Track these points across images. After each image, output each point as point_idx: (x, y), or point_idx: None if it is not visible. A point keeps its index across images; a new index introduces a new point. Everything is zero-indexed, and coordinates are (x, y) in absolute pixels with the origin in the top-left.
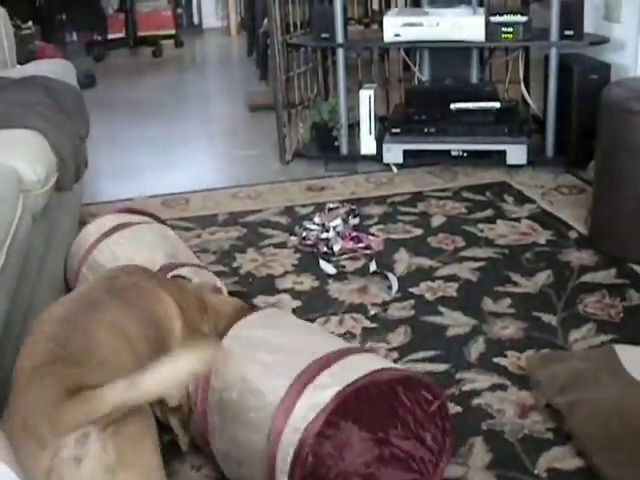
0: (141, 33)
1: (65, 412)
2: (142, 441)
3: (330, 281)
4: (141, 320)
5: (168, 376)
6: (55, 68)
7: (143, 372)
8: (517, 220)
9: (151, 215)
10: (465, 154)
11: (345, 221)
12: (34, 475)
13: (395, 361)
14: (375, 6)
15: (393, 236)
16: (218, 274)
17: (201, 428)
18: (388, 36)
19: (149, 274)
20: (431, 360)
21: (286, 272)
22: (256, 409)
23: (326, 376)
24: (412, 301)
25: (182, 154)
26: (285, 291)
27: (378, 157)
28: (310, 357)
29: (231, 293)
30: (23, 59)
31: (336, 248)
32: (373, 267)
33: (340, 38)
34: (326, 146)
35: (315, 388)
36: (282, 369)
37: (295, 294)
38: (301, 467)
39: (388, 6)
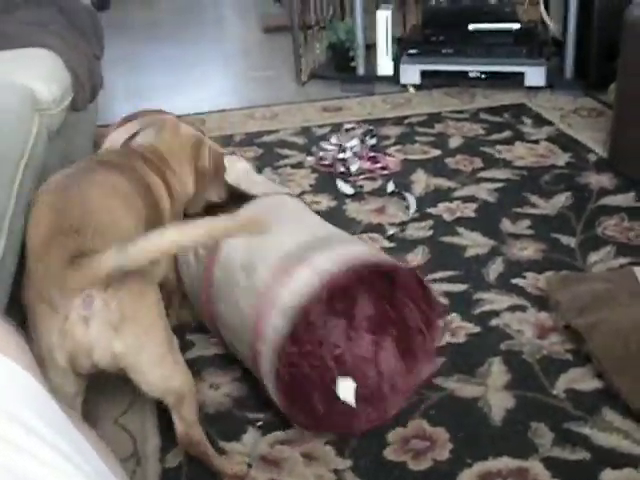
0: None
1: (69, 277)
2: (143, 298)
3: (348, 201)
4: (135, 185)
5: (154, 247)
6: None
7: (134, 241)
8: (535, 142)
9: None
10: (483, 75)
11: (362, 141)
12: (50, 337)
13: None
14: None
15: (411, 157)
16: None
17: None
18: None
19: (139, 155)
20: (449, 280)
21: (303, 192)
22: (244, 297)
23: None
24: (430, 221)
25: (197, 75)
26: None
27: (395, 78)
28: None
29: None
30: None
31: (353, 168)
32: (391, 187)
33: None
34: (342, 67)
35: (290, 288)
36: (264, 264)
37: None
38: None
39: None
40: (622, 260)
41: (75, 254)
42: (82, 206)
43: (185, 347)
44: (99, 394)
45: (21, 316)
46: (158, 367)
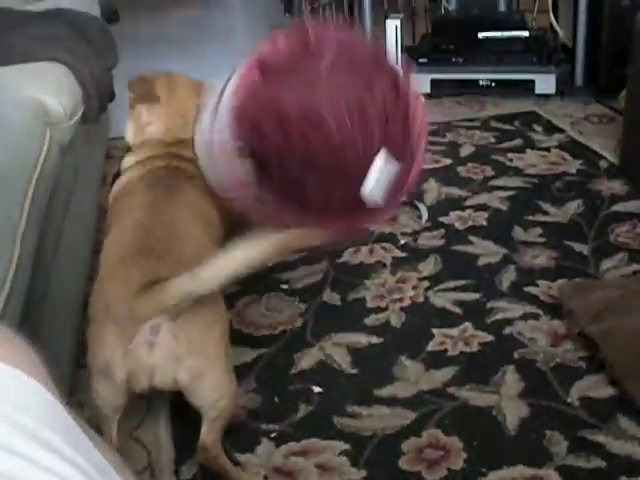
0: None
1: (140, 303)
2: (211, 330)
3: None
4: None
5: (224, 272)
6: (78, 1)
7: (204, 265)
8: (546, 149)
9: None
10: (493, 84)
11: None
12: (112, 354)
13: (426, 290)
14: None
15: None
16: None
17: None
18: None
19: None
20: (462, 289)
21: None
22: None
23: None
24: (442, 230)
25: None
26: None
27: None
28: None
29: None
30: None
31: None
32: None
33: None
34: None
35: None
36: None
37: None
38: None
39: None
40: (635, 266)
41: (151, 279)
42: (169, 229)
43: None
44: None
45: (32, 331)
46: (215, 392)
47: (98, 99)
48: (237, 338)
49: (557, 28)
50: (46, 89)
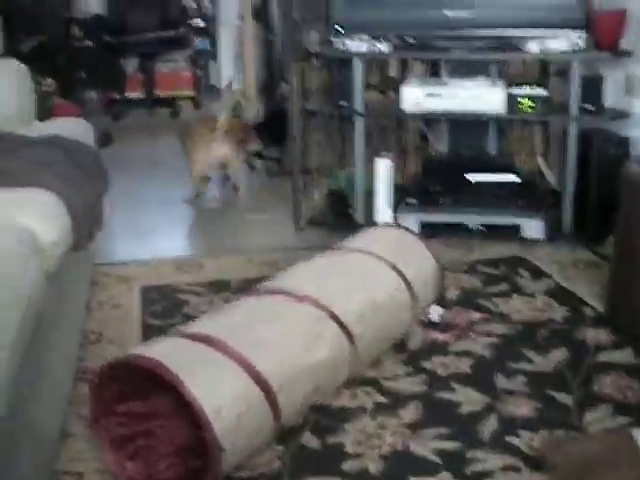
0: (160, 93)
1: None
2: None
3: None
4: None
5: None
6: (73, 127)
7: None
8: (533, 295)
9: None
10: (482, 227)
11: None
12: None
13: (406, 437)
14: (392, 73)
15: None
16: None
17: None
18: (408, 106)
19: None
20: (442, 438)
21: None
22: None
23: None
24: (424, 376)
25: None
26: None
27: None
28: None
29: None
30: (41, 115)
31: None
32: None
33: (359, 106)
34: (341, 214)
35: None
36: None
37: None
38: None
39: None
40: (620, 419)
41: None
42: None
43: None
44: None
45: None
46: None
47: (87, 228)
48: None
49: (547, 173)
50: (35, 217)
